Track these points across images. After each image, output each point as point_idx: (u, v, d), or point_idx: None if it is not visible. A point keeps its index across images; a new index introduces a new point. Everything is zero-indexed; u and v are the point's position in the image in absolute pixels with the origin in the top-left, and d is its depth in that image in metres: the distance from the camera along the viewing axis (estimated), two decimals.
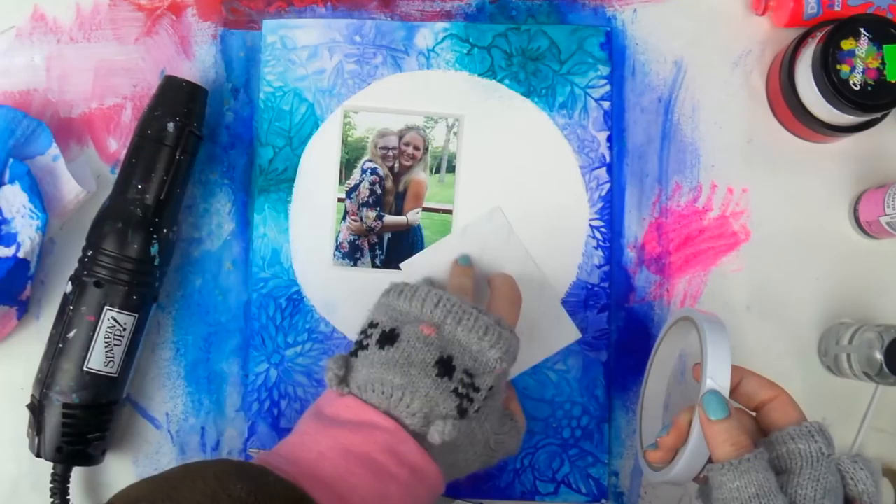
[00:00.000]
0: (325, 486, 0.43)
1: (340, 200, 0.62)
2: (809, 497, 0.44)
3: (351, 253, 0.62)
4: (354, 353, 0.49)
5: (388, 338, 0.48)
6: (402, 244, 0.62)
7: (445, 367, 0.46)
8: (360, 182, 0.63)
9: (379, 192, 0.62)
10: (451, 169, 0.62)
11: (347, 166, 0.63)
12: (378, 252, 0.62)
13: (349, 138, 0.63)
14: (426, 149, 0.62)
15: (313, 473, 0.44)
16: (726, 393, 0.47)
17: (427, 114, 0.63)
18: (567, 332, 0.61)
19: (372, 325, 0.49)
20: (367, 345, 0.48)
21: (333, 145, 0.63)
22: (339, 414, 0.46)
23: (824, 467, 0.45)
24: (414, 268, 0.61)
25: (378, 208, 0.62)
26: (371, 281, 0.62)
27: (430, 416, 0.45)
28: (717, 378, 0.47)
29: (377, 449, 0.45)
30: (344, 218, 0.62)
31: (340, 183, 0.63)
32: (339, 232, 0.62)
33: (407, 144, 0.62)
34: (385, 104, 0.63)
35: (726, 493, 0.44)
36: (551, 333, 0.61)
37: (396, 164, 0.62)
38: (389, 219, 0.62)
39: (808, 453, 0.45)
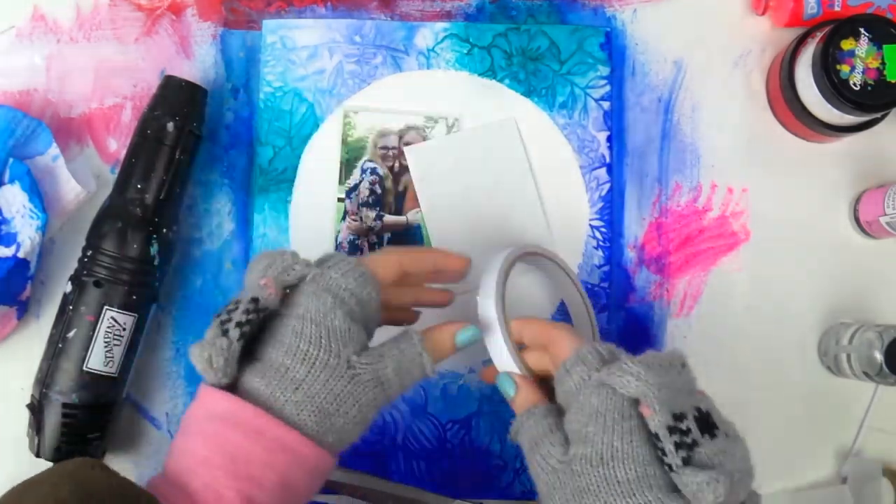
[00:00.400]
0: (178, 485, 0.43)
1: (340, 200, 0.62)
2: (575, 429, 0.44)
3: (351, 253, 0.62)
4: None
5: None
6: (402, 244, 0.62)
7: (222, 312, 0.44)
8: (360, 182, 0.63)
9: (379, 191, 0.62)
10: None
11: (347, 166, 0.63)
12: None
13: (349, 138, 0.63)
14: None
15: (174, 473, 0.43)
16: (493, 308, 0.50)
17: (427, 114, 0.63)
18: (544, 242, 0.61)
19: None
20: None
21: (333, 145, 0.63)
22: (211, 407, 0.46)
23: (584, 394, 0.44)
24: (418, 155, 0.61)
25: (378, 208, 0.62)
26: None
27: (210, 358, 0.43)
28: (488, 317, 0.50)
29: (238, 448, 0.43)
30: (344, 218, 0.62)
31: (340, 183, 0.63)
32: (339, 232, 0.62)
33: (407, 144, 0.62)
34: (385, 104, 0.63)
35: (521, 444, 0.47)
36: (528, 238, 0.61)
37: (396, 164, 0.62)
38: (389, 218, 0.62)
39: (572, 387, 0.45)
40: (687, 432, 0.42)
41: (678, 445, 0.41)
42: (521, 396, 0.49)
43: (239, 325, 0.43)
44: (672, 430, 0.42)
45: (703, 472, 0.40)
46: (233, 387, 0.45)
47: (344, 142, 0.63)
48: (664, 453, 0.42)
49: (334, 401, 0.45)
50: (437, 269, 0.53)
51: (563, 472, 0.44)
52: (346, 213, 0.62)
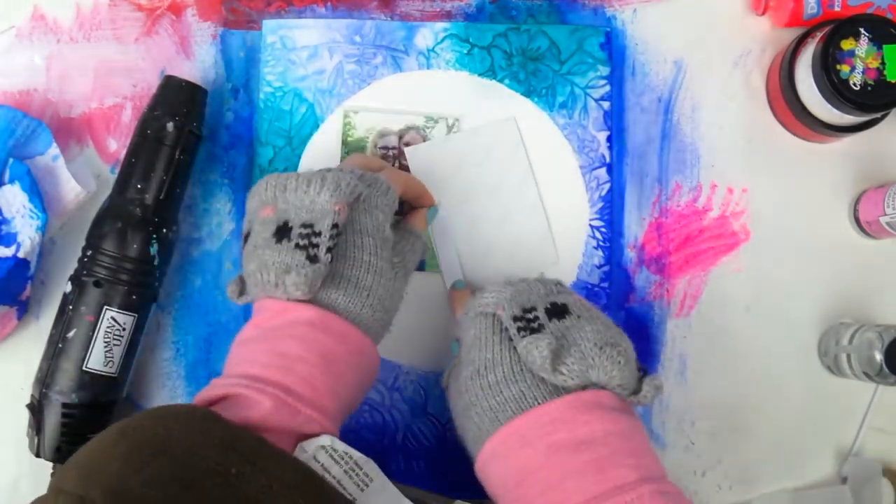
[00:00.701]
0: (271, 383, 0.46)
1: None
2: (464, 358, 0.51)
3: None
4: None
5: (246, 237, 0.52)
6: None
7: (282, 231, 0.49)
8: None
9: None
10: None
11: None
12: None
13: (349, 138, 0.63)
14: None
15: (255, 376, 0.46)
16: None
17: (427, 114, 0.63)
18: (547, 257, 0.62)
19: (243, 236, 0.53)
20: (244, 248, 0.52)
21: (334, 145, 0.63)
22: (258, 322, 0.49)
23: (466, 329, 0.52)
24: (418, 155, 0.62)
25: None
26: None
27: (286, 277, 0.48)
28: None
29: (276, 326, 0.48)
30: None
31: None
32: None
33: (407, 145, 0.62)
34: (385, 104, 0.63)
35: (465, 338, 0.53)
36: (532, 255, 0.61)
37: (396, 164, 0.62)
38: None
39: (464, 324, 0.53)
40: (533, 319, 0.49)
41: (521, 329, 0.48)
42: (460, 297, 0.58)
43: (329, 249, 0.48)
44: (517, 318, 0.49)
45: (530, 336, 0.47)
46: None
47: (344, 142, 0.63)
48: (509, 339, 0.49)
49: (390, 298, 0.52)
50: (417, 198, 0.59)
51: (455, 397, 0.51)
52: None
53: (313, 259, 0.48)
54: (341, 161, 0.62)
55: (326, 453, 0.45)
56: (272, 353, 0.47)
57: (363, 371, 0.50)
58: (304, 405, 0.45)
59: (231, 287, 0.52)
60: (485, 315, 0.51)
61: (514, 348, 0.49)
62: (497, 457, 0.47)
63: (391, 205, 0.53)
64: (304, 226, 0.49)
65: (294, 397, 0.45)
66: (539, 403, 0.46)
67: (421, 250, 0.57)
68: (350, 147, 0.63)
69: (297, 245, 0.48)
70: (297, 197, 0.50)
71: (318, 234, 0.48)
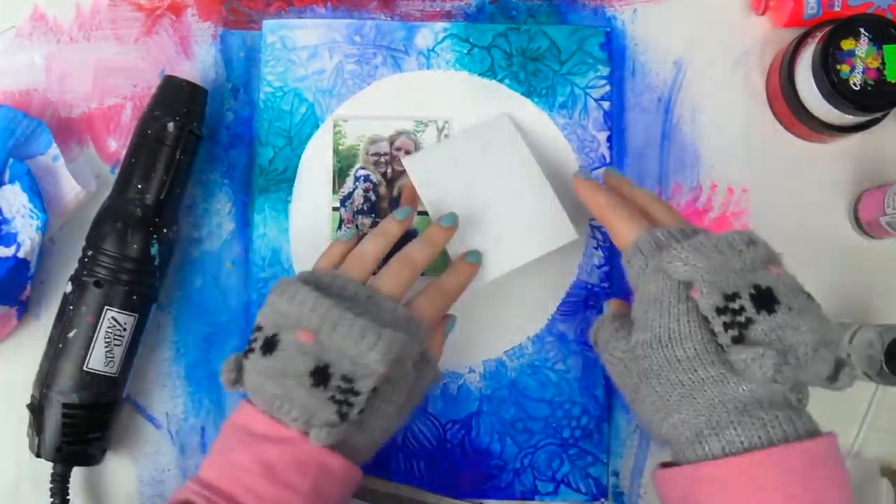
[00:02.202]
0: None
1: (335, 209, 0.62)
2: (638, 317, 0.47)
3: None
4: (246, 356, 0.49)
5: (269, 344, 0.48)
6: (401, 248, 0.62)
7: (321, 375, 0.46)
8: (354, 190, 0.62)
9: (373, 198, 0.62)
10: None
11: (340, 175, 0.62)
12: None
13: (340, 147, 0.63)
14: None
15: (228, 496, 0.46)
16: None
17: (416, 118, 0.63)
18: (562, 232, 0.58)
19: (258, 328, 0.50)
20: (254, 349, 0.49)
21: (326, 155, 0.63)
22: (248, 426, 0.48)
23: (643, 282, 0.47)
24: (417, 163, 0.60)
25: (373, 215, 0.62)
26: None
27: (309, 423, 0.46)
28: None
29: (279, 460, 0.46)
30: (339, 227, 0.62)
31: (334, 192, 0.62)
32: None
33: (398, 149, 0.62)
34: (374, 111, 0.63)
35: (599, 349, 0.51)
36: (547, 234, 0.58)
37: (389, 170, 0.62)
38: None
39: (633, 276, 0.48)
40: (739, 311, 0.42)
41: (727, 325, 0.42)
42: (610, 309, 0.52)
43: (361, 412, 0.47)
44: (721, 310, 0.43)
45: (749, 349, 0.41)
46: None
47: (335, 151, 0.63)
48: (714, 334, 0.43)
49: (384, 434, 0.51)
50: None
51: (628, 360, 0.47)
52: (341, 221, 0.62)
53: (343, 417, 0.46)
54: (334, 168, 0.62)
55: None
56: (261, 481, 0.46)
57: (346, 494, 0.50)
58: None
59: (228, 373, 0.49)
60: (667, 275, 0.45)
61: (703, 322, 0.44)
62: (714, 484, 0.42)
63: (423, 347, 0.51)
64: (345, 378, 0.46)
65: None
66: (767, 429, 0.41)
67: (432, 383, 0.54)
68: (341, 156, 0.62)
69: (332, 398, 0.46)
70: (346, 344, 0.46)
71: (357, 395, 0.46)
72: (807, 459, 0.41)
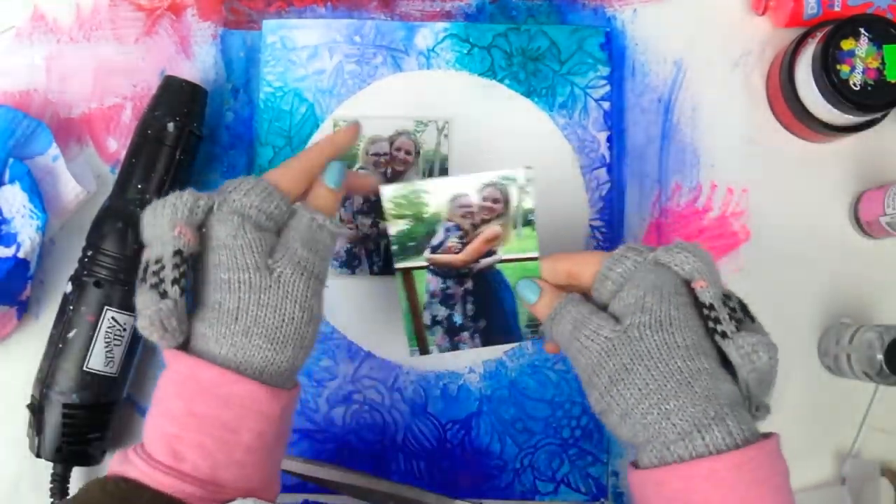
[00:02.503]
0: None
1: None
2: (631, 302, 0.45)
3: (349, 261, 0.62)
4: None
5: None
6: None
7: (143, 273, 0.44)
8: None
9: (373, 198, 0.62)
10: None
11: None
12: (375, 259, 0.62)
13: None
14: (418, 153, 0.62)
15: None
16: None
17: (416, 118, 0.62)
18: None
19: None
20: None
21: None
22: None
23: (641, 273, 0.46)
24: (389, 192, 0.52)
25: (373, 214, 0.62)
26: (370, 287, 0.62)
27: (146, 319, 0.43)
28: None
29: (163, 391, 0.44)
30: None
31: None
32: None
33: (398, 150, 0.62)
34: (384, 104, 0.63)
35: (560, 341, 0.48)
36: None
37: (389, 170, 0.62)
38: (385, 224, 0.62)
39: (626, 270, 0.46)
40: (735, 309, 0.44)
41: (731, 315, 0.43)
42: (545, 299, 0.50)
43: (175, 281, 0.43)
44: (725, 299, 0.44)
45: (755, 336, 0.43)
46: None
47: None
48: (717, 322, 0.43)
49: (274, 313, 0.44)
50: (338, 151, 0.52)
51: (617, 341, 0.44)
52: (341, 221, 0.62)
53: (163, 295, 0.43)
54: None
55: None
56: (191, 443, 0.42)
57: (259, 419, 0.43)
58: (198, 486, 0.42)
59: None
60: (668, 269, 0.45)
61: (699, 316, 0.44)
62: (712, 480, 0.41)
63: (261, 205, 0.46)
64: (156, 262, 0.44)
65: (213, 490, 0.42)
66: (751, 425, 0.42)
67: (322, 232, 0.47)
68: (341, 157, 0.62)
69: (151, 285, 0.43)
70: (150, 230, 0.45)
71: (164, 268, 0.43)
72: (779, 456, 0.43)
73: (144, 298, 0.43)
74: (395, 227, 0.51)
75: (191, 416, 0.42)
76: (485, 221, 0.52)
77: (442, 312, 0.55)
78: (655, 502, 0.43)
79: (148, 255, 0.45)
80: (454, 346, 0.55)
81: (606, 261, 0.47)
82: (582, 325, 0.46)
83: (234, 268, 0.44)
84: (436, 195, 0.51)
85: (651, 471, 0.42)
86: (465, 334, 0.55)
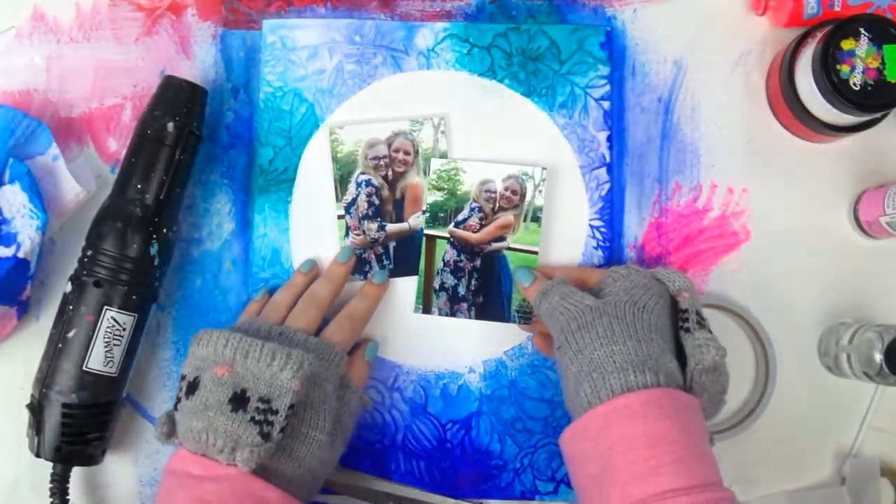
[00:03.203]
0: None
1: (340, 217, 0.62)
2: (619, 289, 0.53)
3: (360, 267, 0.62)
4: (175, 408, 0.52)
5: (192, 387, 0.51)
6: (409, 250, 0.62)
7: (239, 400, 0.49)
8: (357, 196, 0.62)
9: (377, 202, 0.62)
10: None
11: (341, 182, 0.62)
12: (385, 261, 0.62)
13: (338, 154, 0.62)
14: (416, 152, 0.62)
15: None
16: None
17: (412, 117, 0.62)
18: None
19: (182, 377, 0.52)
20: (180, 398, 0.51)
21: (325, 163, 0.62)
22: (186, 469, 0.50)
23: (634, 274, 0.55)
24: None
25: (379, 219, 0.62)
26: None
27: (234, 449, 0.48)
28: None
29: (216, 497, 0.48)
30: (347, 234, 0.62)
31: (337, 200, 0.62)
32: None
33: (397, 151, 0.62)
34: (384, 105, 0.63)
35: (546, 314, 0.54)
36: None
37: (390, 172, 0.62)
38: (392, 227, 0.62)
39: (625, 272, 0.55)
40: (703, 320, 0.52)
41: (698, 321, 0.52)
42: (537, 284, 0.58)
43: (282, 429, 0.49)
44: (698, 311, 0.53)
45: (712, 336, 0.51)
46: None
47: (334, 158, 0.62)
48: (686, 321, 0.51)
49: (322, 467, 0.53)
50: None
51: (595, 307, 0.52)
52: (348, 229, 0.62)
53: (266, 437, 0.48)
54: (336, 178, 0.62)
55: None
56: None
57: None
58: None
59: (160, 427, 0.51)
60: (660, 282, 0.54)
61: (670, 317, 0.52)
62: (626, 414, 0.46)
63: (340, 371, 0.55)
64: (262, 400, 0.49)
65: None
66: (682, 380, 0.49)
67: (358, 409, 0.57)
68: (340, 163, 0.62)
69: (252, 419, 0.48)
70: (259, 368, 0.50)
71: (275, 413, 0.49)
72: (689, 405, 0.48)
73: (242, 429, 0.48)
74: (431, 197, 0.62)
75: None
76: (502, 209, 0.62)
77: (450, 281, 0.62)
78: (582, 450, 0.48)
79: (239, 383, 0.49)
80: (452, 313, 0.62)
81: (615, 267, 0.56)
82: (569, 296, 0.53)
83: (317, 428, 0.52)
84: (470, 175, 0.62)
85: (576, 421, 0.48)
86: (464, 305, 0.62)
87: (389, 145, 0.62)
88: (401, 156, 0.62)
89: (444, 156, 0.62)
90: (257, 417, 0.48)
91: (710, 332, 0.52)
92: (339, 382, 0.55)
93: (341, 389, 0.55)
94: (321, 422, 0.52)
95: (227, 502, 0.48)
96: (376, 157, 0.62)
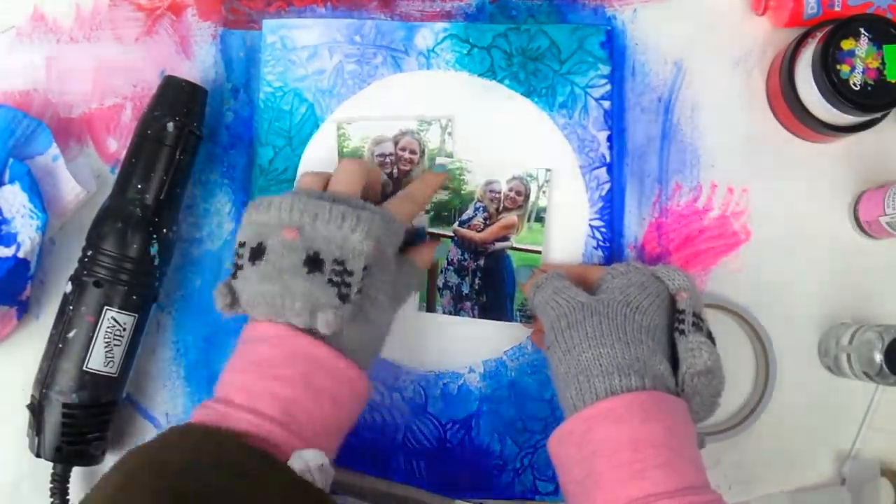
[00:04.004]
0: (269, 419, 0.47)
1: None
2: (614, 287, 0.52)
3: None
4: (234, 276, 0.50)
5: (257, 252, 0.49)
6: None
7: (314, 262, 0.48)
8: None
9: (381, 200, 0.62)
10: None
11: None
12: None
13: (344, 149, 0.62)
14: (423, 152, 0.62)
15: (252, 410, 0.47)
16: None
17: (420, 117, 0.62)
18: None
19: (241, 244, 0.51)
20: (242, 265, 0.50)
21: (329, 157, 0.62)
22: (251, 336, 0.50)
23: (633, 271, 0.53)
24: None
25: None
26: None
27: (314, 311, 0.48)
28: None
29: (268, 356, 0.48)
30: None
31: None
32: None
33: (403, 149, 0.62)
34: (377, 111, 0.63)
35: (539, 308, 0.54)
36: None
37: (395, 170, 0.62)
38: None
39: (625, 269, 0.54)
40: (700, 321, 0.51)
41: (695, 323, 0.51)
42: (533, 279, 0.57)
43: (359, 290, 0.49)
44: (696, 312, 0.51)
45: (706, 340, 0.50)
46: None
47: (340, 154, 0.62)
48: (681, 323, 0.51)
49: (384, 328, 0.54)
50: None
51: (587, 304, 0.51)
52: None
53: (344, 298, 0.48)
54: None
55: (320, 472, 0.45)
56: (271, 392, 0.47)
57: (355, 403, 0.51)
58: (299, 440, 0.47)
59: (222, 297, 0.50)
60: (659, 280, 0.53)
61: (666, 317, 0.51)
62: (611, 418, 0.46)
63: (399, 241, 0.54)
64: (337, 262, 0.48)
65: (291, 433, 0.47)
66: (671, 384, 0.49)
67: (417, 285, 0.58)
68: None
69: (329, 281, 0.48)
70: (330, 230, 0.49)
71: (351, 274, 0.48)
72: (677, 407, 0.48)
73: (320, 291, 0.48)
74: (436, 196, 0.61)
75: (307, 386, 0.48)
76: (506, 210, 0.62)
77: (454, 280, 0.62)
78: (567, 454, 0.48)
79: (311, 245, 0.49)
80: (456, 312, 0.62)
81: (615, 264, 0.55)
82: (562, 291, 0.53)
83: (383, 291, 0.52)
84: (475, 175, 0.62)
85: (561, 425, 0.48)
86: (468, 304, 0.62)
87: (396, 143, 0.62)
88: (407, 154, 0.62)
89: (449, 156, 0.62)
90: (334, 279, 0.48)
91: (709, 332, 0.51)
92: (397, 249, 0.54)
93: (403, 263, 0.55)
94: (386, 286, 0.52)
95: (276, 359, 0.48)
96: (382, 155, 0.62)
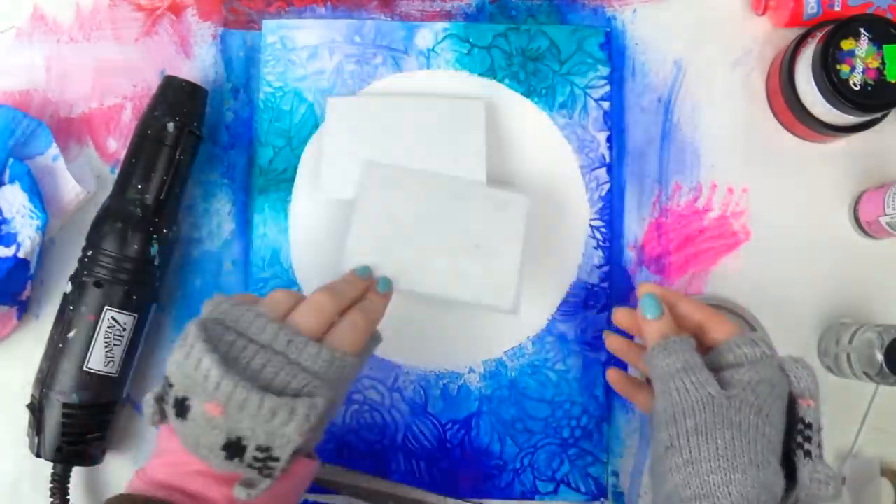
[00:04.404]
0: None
1: None
2: (745, 381, 0.47)
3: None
4: (163, 399, 0.46)
5: (181, 407, 0.44)
6: None
7: (235, 448, 0.44)
8: None
9: None
10: None
11: None
12: None
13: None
14: None
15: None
16: None
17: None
18: (501, 296, 0.57)
19: (168, 382, 0.46)
20: (168, 401, 0.46)
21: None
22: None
23: (764, 364, 0.48)
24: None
25: None
26: None
27: (233, 483, 0.44)
28: None
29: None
30: None
31: None
32: None
33: None
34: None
35: (658, 372, 0.49)
36: (486, 285, 0.57)
37: None
38: None
39: (753, 355, 0.48)
40: (816, 435, 0.48)
41: (819, 442, 0.47)
42: (663, 324, 0.50)
43: (283, 470, 0.45)
44: (818, 428, 0.48)
45: (832, 470, 0.46)
46: None
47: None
48: (808, 441, 0.47)
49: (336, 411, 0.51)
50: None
51: (718, 401, 0.46)
52: None
53: (267, 476, 0.44)
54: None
55: None
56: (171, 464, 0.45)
57: (301, 486, 0.49)
58: None
59: (150, 416, 0.46)
60: (787, 377, 0.49)
61: (785, 422, 0.48)
62: None
63: (356, 375, 0.50)
64: (260, 449, 0.44)
65: None
66: None
67: (356, 376, 0.51)
68: None
69: (249, 465, 0.44)
70: (257, 422, 0.43)
71: (276, 460, 0.44)
72: None
73: (236, 470, 0.44)
74: None
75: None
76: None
77: None
78: None
79: (233, 430, 0.44)
80: None
81: (739, 337, 0.50)
82: (691, 371, 0.48)
83: (327, 420, 0.49)
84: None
85: None
86: None
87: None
88: None
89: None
90: (255, 465, 0.44)
91: (820, 449, 0.47)
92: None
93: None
94: (333, 413, 0.50)
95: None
96: None
